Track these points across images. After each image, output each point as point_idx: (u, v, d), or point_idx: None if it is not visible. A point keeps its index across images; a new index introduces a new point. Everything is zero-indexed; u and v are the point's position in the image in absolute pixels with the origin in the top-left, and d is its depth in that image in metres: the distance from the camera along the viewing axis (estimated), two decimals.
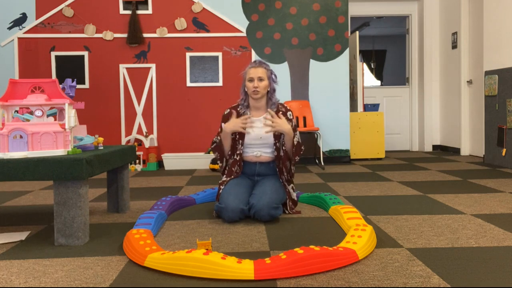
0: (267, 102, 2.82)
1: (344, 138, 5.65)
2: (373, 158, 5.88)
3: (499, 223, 2.49)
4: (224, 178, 2.81)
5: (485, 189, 3.56)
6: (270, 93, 2.81)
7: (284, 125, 2.66)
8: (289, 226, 2.49)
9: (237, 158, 2.80)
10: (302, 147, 2.81)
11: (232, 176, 2.78)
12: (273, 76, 2.82)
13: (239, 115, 2.82)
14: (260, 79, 2.73)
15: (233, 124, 2.70)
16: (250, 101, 2.82)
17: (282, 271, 1.71)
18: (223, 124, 2.80)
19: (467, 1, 6.07)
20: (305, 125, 5.42)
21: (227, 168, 2.87)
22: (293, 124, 2.80)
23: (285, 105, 2.91)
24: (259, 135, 2.77)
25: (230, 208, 2.52)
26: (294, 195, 2.86)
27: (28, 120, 2.32)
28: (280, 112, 2.78)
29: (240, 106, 2.86)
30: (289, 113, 2.83)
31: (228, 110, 2.87)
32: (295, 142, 2.75)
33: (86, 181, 2.22)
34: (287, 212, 2.79)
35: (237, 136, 2.78)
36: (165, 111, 5.51)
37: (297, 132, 2.82)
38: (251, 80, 2.73)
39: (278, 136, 2.76)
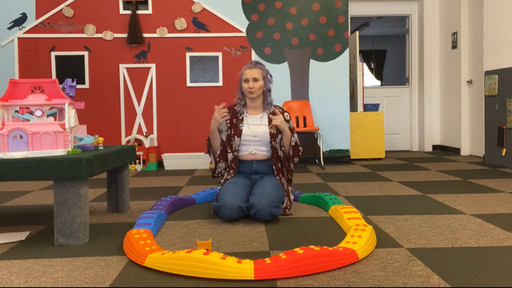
0: (263, 102, 2.89)
1: (344, 138, 5.65)
2: (373, 158, 5.88)
3: (499, 223, 2.49)
4: (225, 176, 2.85)
5: (485, 189, 3.56)
6: (266, 93, 2.87)
7: (283, 123, 2.73)
8: (289, 226, 2.49)
9: (236, 155, 2.85)
10: (300, 148, 2.84)
11: (231, 172, 2.83)
12: (268, 76, 2.87)
13: (235, 113, 2.88)
14: (255, 80, 2.79)
15: (213, 120, 2.75)
16: (246, 100, 2.90)
17: (282, 271, 1.71)
18: None
19: (467, 1, 6.07)
20: (305, 125, 5.42)
21: (226, 168, 2.91)
22: (290, 125, 2.85)
23: (282, 107, 2.94)
24: (254, 133, 2.81)
25: (228, 205, 2.53)
26: (292, 196, 2.89)
27: (28, 120, 2.31)
28: None
29: (237, 105, 2.92)
30: (285, 114, 2.89)
31: (226, 108, 2.91)
32: (293, 143, 2.78)
33: (86, 181, 2.22)
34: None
35: (232, 132, 2.81)
36: (165, 111, 5.51)
37: (295, 134, 2.85)
38: (246, 81, 2.81)
39: (274, 135, 2.79)
